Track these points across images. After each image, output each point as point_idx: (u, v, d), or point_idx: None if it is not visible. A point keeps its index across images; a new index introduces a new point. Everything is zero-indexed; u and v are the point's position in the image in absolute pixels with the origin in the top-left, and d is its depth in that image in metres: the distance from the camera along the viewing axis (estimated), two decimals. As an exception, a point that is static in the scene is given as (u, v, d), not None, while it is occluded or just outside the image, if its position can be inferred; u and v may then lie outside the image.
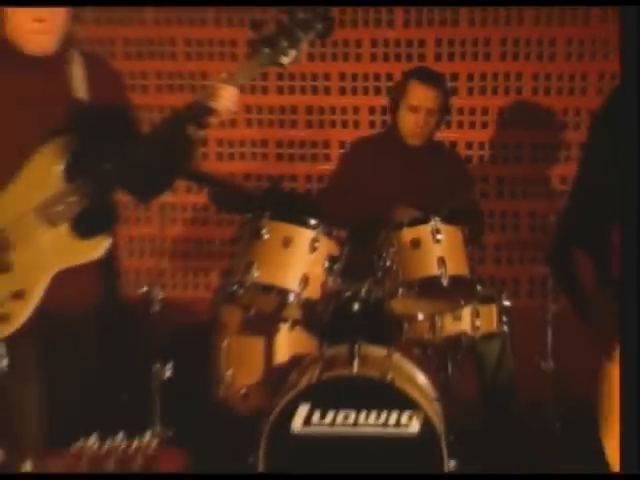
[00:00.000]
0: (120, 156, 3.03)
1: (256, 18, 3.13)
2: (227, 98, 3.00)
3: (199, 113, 3.01)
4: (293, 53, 3.06)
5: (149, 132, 3.14)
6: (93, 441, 1.71)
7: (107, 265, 3.19)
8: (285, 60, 3.06)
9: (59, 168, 3.00)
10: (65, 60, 3.14)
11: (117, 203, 3.32)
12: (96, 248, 3.05)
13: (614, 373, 2.45)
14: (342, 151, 5.27)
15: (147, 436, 1.75)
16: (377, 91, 5.48)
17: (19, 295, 2.97)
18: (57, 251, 3.01)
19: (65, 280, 3.02)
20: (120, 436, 1.73)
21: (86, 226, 3.03)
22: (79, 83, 3.13)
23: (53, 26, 3.01)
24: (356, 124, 5.59)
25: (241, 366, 4.00)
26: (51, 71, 3.09)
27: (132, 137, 3.18)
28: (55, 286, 3.01)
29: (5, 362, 2.92)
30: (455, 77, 5.47)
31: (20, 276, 2.98)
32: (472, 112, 5.54)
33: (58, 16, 3.01)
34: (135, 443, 1.74)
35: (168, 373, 4.16)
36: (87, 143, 3.03)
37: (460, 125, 5.54)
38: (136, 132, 3.28)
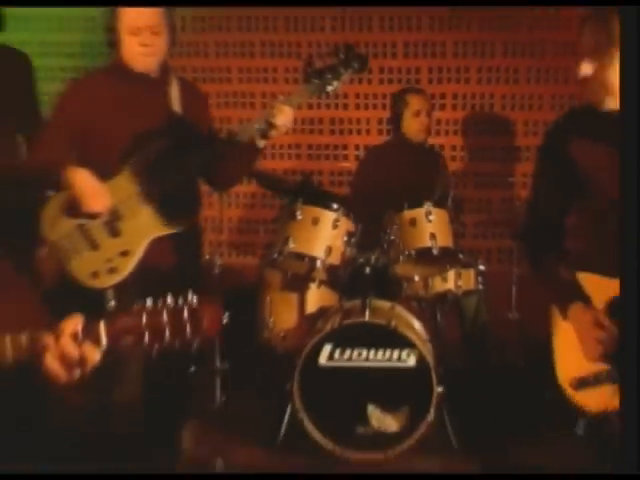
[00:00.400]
0: (203, 156, 3.04)
1: (309, 56, 3.17)
2: (285, 117, 3.01)
3: (263, 127, 3.02)
4: (335, 84, 3.06)
5: (225, 139, 3.13)
6: (149, 302, 1.68)
7: (193, 236, 3.23)
8: (329, 89, 3.07)
9: (158, 161, 3.00)
10: (165, 82, 3.14)
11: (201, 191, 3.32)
12: (181, 223, 3.07)
13: (566, 327, 2.39)
14: (361, 159, 5.13)
15: (190, 295, 1.72)
16: (384, 107, 5.39)
17: (125, 254, 3.00)
18: (153, 223, 3.02)
19: (159, 244, 3.03)
20: (169, 298, 1.70)
21: (175, 206, 3.05)
22: (175, 100, 3.13)
23: (155, 50, 3.01)
24: (368, 132, 5.53)
25: (280, 315, 3.96)
26: (155, 89, 3.11)
27: (212, 142, 3.17)
28: (152, 248, 3.02)
29: (114, 303, 2.94)
30: (443, 96, 5.43)
31: (126, 240, 3.00)
32: (456, 123, 5.48)
33: (159, 42, 3.01)
34: (181, 300, 1.71)
35: (225, 320, 4.14)
36: (179, 145, 3.03)
37: (447, 133, 5.48)
38: (215, 138, 3.26)
